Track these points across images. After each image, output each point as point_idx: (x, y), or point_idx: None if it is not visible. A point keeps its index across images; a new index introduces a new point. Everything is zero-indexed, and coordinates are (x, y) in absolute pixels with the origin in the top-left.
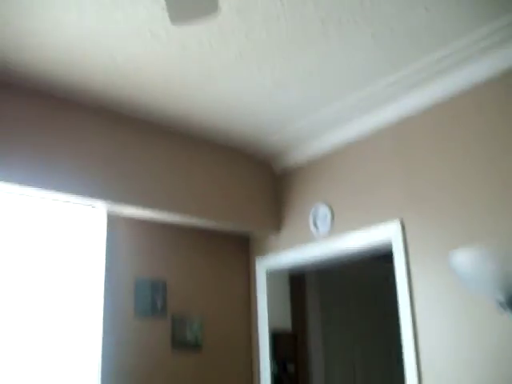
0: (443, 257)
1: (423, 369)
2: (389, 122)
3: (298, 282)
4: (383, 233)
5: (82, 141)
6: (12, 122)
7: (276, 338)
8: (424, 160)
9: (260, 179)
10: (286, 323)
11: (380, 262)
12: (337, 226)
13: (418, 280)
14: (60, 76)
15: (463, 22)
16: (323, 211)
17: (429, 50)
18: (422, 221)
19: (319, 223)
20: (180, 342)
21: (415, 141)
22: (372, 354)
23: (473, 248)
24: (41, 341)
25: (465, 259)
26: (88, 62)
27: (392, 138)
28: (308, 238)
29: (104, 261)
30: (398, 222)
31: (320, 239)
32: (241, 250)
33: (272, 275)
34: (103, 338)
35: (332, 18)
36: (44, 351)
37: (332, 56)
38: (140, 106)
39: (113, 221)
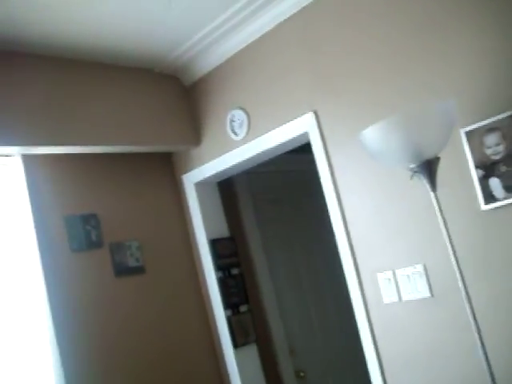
0: (355, 139)
1: (354, 241)
2: (290, 12)
3: (227, 188)
4: (299, 126)
5: None
6: None
7: (215, 244)
8: (329, 47)
9: (171, 95)
10: (222, 231)
11: (302, 155)
12: (254, 128)
13: (338, 164)
14: None
15: None
16: (239, 116)
17: None
18: (335, 108)
19: (237, 128)
20: (122, 269)
21: (319, 28)
22: (309, 241)
23: (379, 123)
24: None
25: (373, 135)
26: None
27: (295, 29)
28: (229, 145)
29: (29, 206)
30: (312, 114)
31: (240, 144)
32: (165, 167)
33: (201, 187)
34: (45, 281)
35: None
36: None
37: None
38: (29, 37)
39: (30, 163)
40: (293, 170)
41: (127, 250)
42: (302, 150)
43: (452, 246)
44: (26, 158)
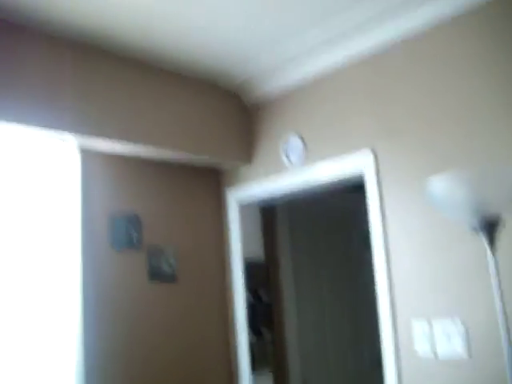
0: (415, 185)
1: (394, 284)
2: (362, 53)
3: (268, 213)
4: (355, 162)
5: (50, 71)
6: None
7: (249, 267)
8: (394, 90)
9: (230, 111)
10: (258, 254)
11: (350, 194)
12: (308, 157)
13: (391, 208)
14: (26, 5)
15: None
16: (295, 142)
17: None
18: (394, 150)
19: (291, 154)
20: (156, 274)
21: (388, 72)
22: (340, 279)
23: (447, 173)
24: (21, 276)
25: (440, 185)
26: None
27: (365, 70)
28: (279, 169)
29: (79, 197)
30: (370, 152)
31: (292, 170)
32: (212, 182)
33: (243, 207)
34: (82, 273)
35: None
36: (24, 287)
37: None
38: (110, 37)
39: (85, 156)
40: (334, 205)
41: (162, 255)
42: (348, 189)
43: (503, 307)
44: (84, 152)
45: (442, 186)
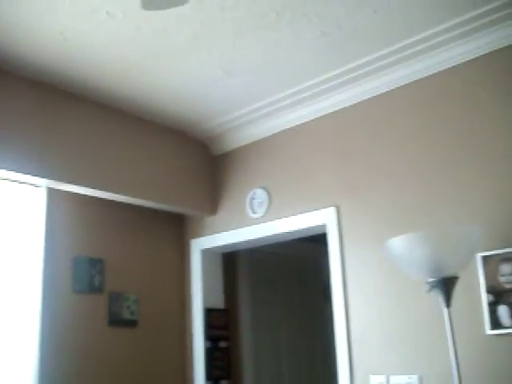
0: (376, 241)
1: (352, 339)
2: (327, 111)
3: (230, 260)
4: (318, 218)
5: (22, 117)
6: None
7: (209, 313)
8: (360, 148)
9: (198, 161)
10: (218, 300)
11: (312, 244)
12: (273, 211)
13: (351, 263)
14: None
15: (407, 25)
16: (261, 195)
17: (373, 50)
18: (357, 207)
19: (256, 207)
20: (116, 319)
21: (352, 130)
22: (298, 329)
23: (408, 234)
24: None
25: (400, 244)
26: (36, 37)
27: (330, 127)
28: (244, 221)
29: (43, 238)
30: (334, 209)
31: (256, 222)
32: (176, 229)
33: (206, 254)
34: (42, 314)
35: (286, 11)
36: None
37: (282, 48)
38: (84, 82)
39: (52, 196)
40: (296, 255)
41: (124, 302)
42: (308, 239)
43: (457, 363)
44: (51, 192)
45: (401, 245)
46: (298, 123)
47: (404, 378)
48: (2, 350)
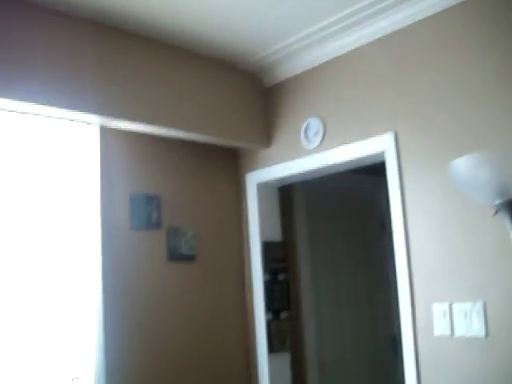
0: (437, 167)
1: (414, 268)
2: (381, 34)
3: (287, 194)
4: (376, 145)
5: (74, 53)
6: (4, 35)
7: (266, 247)
8: (418, 70)
9: (250, 93)
10: (276, 234)
11: (369, 177)
12: (329, 140)
13: (411, 191)
14: None
15: None
16: (315, 124)
17: None
18: (416, 131)
19: (311, 136)
20: (175, 254)
21: (409, 52)
22: (356, 261)
23: (471, 155)
24: (41, 256)
25: (463, 166)
26: None
27: (385, 50)
28: (299, 152)
29: (99, 177)
30: (392, 134)
31: (311, 153)
32: (231, 163)
33: (262, 188)
34: (102, 253)
35: None
36: (45, 268)
37: None
38: (131, 16)
39: (105, 134)
40: (353, 188)
41: (182, 237)
42: (364, 171)
43: None
44: (104, 130)
45: (465, 167)
46: (352, 48)
47: (468, 305)
48: (66, 288)
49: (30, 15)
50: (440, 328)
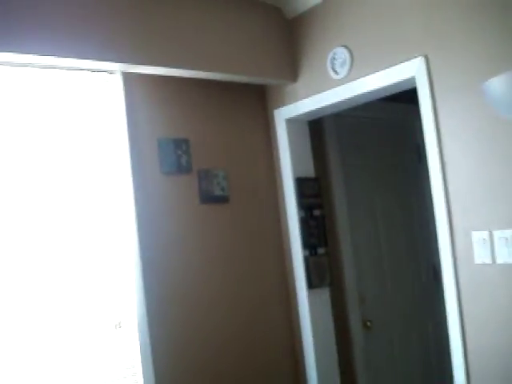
0: (471, 89)
1: (451, 196)
2: None
3: (316, 128)
4: (406, 71)
5: (87, 2)
6: None
7: (300, 183)
8: None
9: (272, 26)
10: (308, 169)
11: (400, 105)
12: (356, 69)
13: (445, 116)
14: None
15: None
16: (342, 54)
17: None
18: (447, 54)
19: (338, 67)
20: (208, 196)
21: None
22: (392, 192)
23: (508, 72)
24: (75, 207)
25: (500, 85)
26: None
27: None
28: (327, 84)
29: (125, 124)
30: (422, 58)
31: (340, 83)
32: (258, 101)
33: (291, 123)
34: (135, 200)
35: None
36: (80, 217)
37: None
38: None
39: (128, 82)
40: (382, 117)
41: (214, 179)
42: (395, 99)
43: None
44: (127, 77)
45: (500, 85)
46: None
47: (509, 232)
48: (105, 238)
49: None
50: (480, 256)
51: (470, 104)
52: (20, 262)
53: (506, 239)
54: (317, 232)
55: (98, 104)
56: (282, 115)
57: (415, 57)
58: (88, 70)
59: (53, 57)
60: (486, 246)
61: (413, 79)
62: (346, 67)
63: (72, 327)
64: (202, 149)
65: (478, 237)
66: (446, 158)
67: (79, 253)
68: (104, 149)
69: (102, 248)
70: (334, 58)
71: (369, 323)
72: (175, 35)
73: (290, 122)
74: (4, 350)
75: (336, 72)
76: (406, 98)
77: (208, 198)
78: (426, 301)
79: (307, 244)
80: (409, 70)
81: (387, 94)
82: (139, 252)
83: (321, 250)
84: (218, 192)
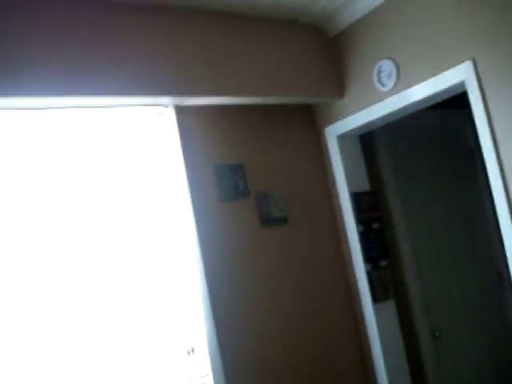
0: None
1: None
2: None
3: (368, 142)
4: (454, 76)
5: (131, 40)
6: (66, 28)
7: (356, 198)
8: None
9: (315, 46)
10: (363, 184)
11: (450, 110)
12: (403, 80)
13: (499, 119)
14: None
15: None
16: (387, 66)
17: None
18: (496, 57)
19: (385, 80)
20: (267, 218)
21: None
22: (450, 199)
23: None
24: (143, 241)
25: None
26: None
27: None
28: (375, 97)
29: (181, 155)
30: (470, 62)
31: (388, 95)
32: (308, 120)
33: (342, 139)
34: (197, 228)
35: None
36: (148, 250)
37: None
38: None
39: (182, 114)
40: (435, 125)
41: (271, 201)
42: (444, 105)
43: None
44: (179, 109)
45: None
46: None
47: None
48: (171, 266)
49: (93, 7)
50: None
51: None
52: (95, 291)
53: None
54: (377, 245)
55: (153, 137)
56: (333, 132)
57: (463, 61)
58: (141, 105)
59: (105, 97)
60: None
61: (462, 84)
62: (393, 79)
63: (146, 354)
64: (257, 172)
65: None
66: (504, 162)
67: (150, 282)
68: (162, 180)
69: (171, 276)
70: (380, 71)
71: (437, 333)
72: (224, 65)
73: (341, 138)
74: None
75: (383, 84)
76: (453, 103)
77: (267, 220)
78: (492, 306)
79: (369, 258)
80: (457, 75)
81: (437, 101)
82: (205, 278)
83: (383, 263)
84: (276, 213)
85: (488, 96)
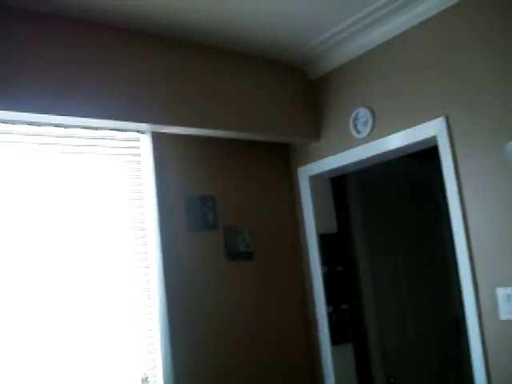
0: (491, 148)
1: (474, 253)
2: (426, 15)
3: (339, 184)
4: (427, 130)
5: (116, 66)
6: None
7: (323, 239)
8: (466, 52)
9: (296, 88)
10: (331, 226)
11: (421, 161)
12: (378, 129)
13: (466, 174)
14: None
15: None
16: (364, 114)
17: None
18: (468, 114)
19: (360, 127)
20: (233, 252)
21: (456, 32)
22: (414, 247)
23: None
24: (103, 262)
25: None
26: None
27: (431, 32)
28: (349, 143)
29: (154, 182)
30: (443, 118)
31: (362, 143)
32: (282, 159)
33: (314, 180)
34: (162, 255)
35: None
36: (107, 272)
37: None
38: (169, 20)
39: (157, 140)
40: (405, 173)
41: (239, 235)
42: (418, 154)
43: None
44: (156, 135)
45: None
46: (396, 33)
47: None
48: (130, 292)
49: (81, 32)
50: (505, 313)
51: (492, 163)
52: (47, 313)
53: None
54: (340, 287)
55: (128, 162)
56: (305, 172)
57: (436, 117)
58: (119, 129)
59: (87, 118)
60: (510, 302)
61: (434, 138)
62: (369, 127)
63: (98, 381)
64: (227, 206)
65: (503, 293)
66: (468, 217)
67: (105, 308)
68: (132, 206)
69: (129, 303)
70: (357, 118)
71: (392, 379)
72: (202, 98)
73: (314, 178)
74: None
75: (358, 131)
76: (426, 153)
77: (233, 254)
78: (448, 356)
79: (331, 300)
80: (430, 130)
81: (408, 152)
82: (165, 306)
83: (344, 306)
84: (242, 248)
85: (458, 153)
